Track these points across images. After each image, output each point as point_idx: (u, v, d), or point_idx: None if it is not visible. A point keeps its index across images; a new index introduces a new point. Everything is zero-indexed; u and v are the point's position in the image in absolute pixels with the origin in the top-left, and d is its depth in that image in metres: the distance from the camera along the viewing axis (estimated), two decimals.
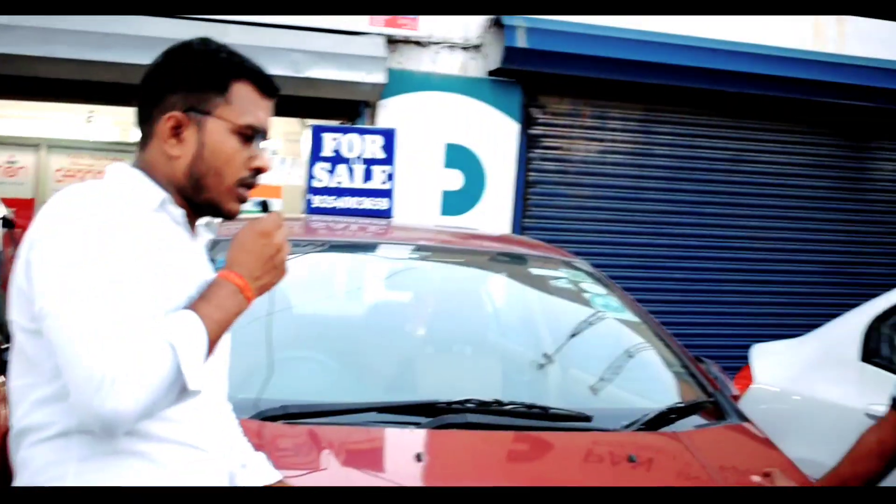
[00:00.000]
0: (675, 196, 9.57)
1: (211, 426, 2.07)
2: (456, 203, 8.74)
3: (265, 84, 2.11)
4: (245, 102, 2.06)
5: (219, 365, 2.10)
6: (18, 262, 1.87)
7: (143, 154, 2.06)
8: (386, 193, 5.40)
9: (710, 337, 9.25)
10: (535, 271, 4.65)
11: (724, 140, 9.76)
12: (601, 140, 9.37)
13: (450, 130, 8.73)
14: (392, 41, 8.63)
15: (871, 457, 2.85)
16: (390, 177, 5.42)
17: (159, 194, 2.00)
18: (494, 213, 8.82)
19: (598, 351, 4.17)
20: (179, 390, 1.83)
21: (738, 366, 5.61)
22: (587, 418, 3.28)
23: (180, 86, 2.03)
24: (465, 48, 8.92)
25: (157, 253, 1.92)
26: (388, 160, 5.46)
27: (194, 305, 1.91)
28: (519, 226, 8.99)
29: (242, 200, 2.11)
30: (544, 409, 3.31)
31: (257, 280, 2.01)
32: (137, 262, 1.86)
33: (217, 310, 1.92)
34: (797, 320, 8.70)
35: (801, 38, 9.62)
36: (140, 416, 1.79)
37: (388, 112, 8.55)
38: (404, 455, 2.98)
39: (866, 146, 10.28)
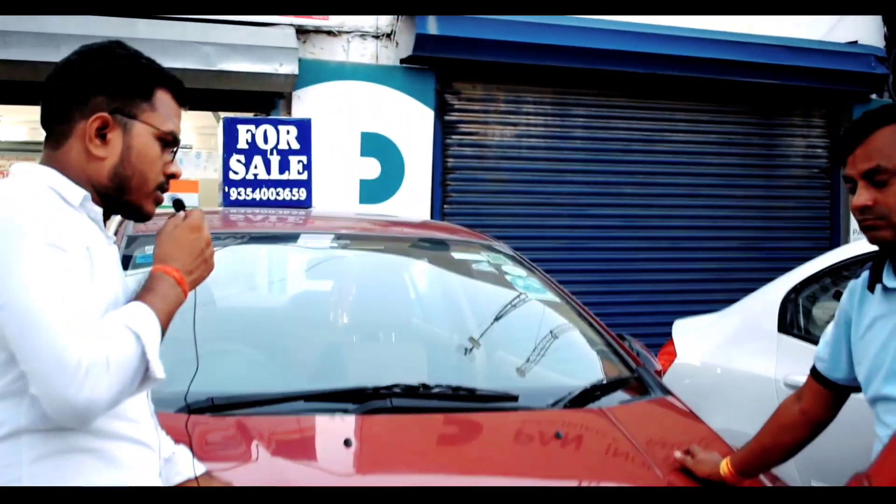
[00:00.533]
0: (592, 177, 9.65)
1: (152, 423, 2.09)
2: (374, 191, 8.73)
3: (182, 93, 2.15)
4: (167, 109, 2.10)
5: None
6: None
7: (55, 153, 2.03)
8: (303, 184, 5.37)
9: (633, 315, 9.35)
10: (457, 256, 4.66)
11: (637, 121, 9.88)
12: (516, 124, 9.42)
13: (365, 119, 8.71)
14: (303, 31, 8.59)
15: (795, 427, 2.88)
16: (306, 167, 5.39)
17: (80, 192, 1.99)
18: (414, 200, 8.81)
19: (522, 332, 4.20)
20: (142, 379, 1.85)
21: (662, 342, 5.68)
22: (513, 398, 3.30)
23: (106, 88, 2.03)
24: (376, 37, 8.90)
25: (90, 249, 1.91)
26: (304, 150, 5.43)
27: (142, 298, 1.93)
28: (439, 212, 9.00)
29: (158, 203, 2.14)
30: (470, 390, 3.32)
31: (190, 274, 2.06)
32: (80, 255, 1.86)
33: (163, 301, 1.96)
34: (717, 295, 8.83)
35: (708, 17, 9.74)
36: (111, 405, 1.80)
37: (303, 103, 8.51)
38: (333, 441, 2.98)
39: (775, 122, 10.47)
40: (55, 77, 2.05)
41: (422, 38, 8.51)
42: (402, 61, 8.89)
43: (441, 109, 9.09)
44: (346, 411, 3.10)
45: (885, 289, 2.51)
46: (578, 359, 4.06)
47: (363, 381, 3.27)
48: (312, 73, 8.49)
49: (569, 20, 8.96)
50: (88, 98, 2.01)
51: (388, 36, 8.93)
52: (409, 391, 3.23)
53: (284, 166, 5.35)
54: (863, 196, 2.40)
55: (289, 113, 8.43)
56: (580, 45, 8.98)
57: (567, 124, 9.61)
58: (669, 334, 5.64)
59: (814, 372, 2.87)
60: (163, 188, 2.11)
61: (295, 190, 5.35)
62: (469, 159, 9.27)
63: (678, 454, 3.03)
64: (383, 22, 8.90)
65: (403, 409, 3.13)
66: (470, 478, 2.91)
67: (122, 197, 2.05)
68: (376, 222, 5.08)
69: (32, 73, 6.91)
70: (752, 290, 5.50)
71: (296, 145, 5.41)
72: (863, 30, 10.43)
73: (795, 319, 4.96)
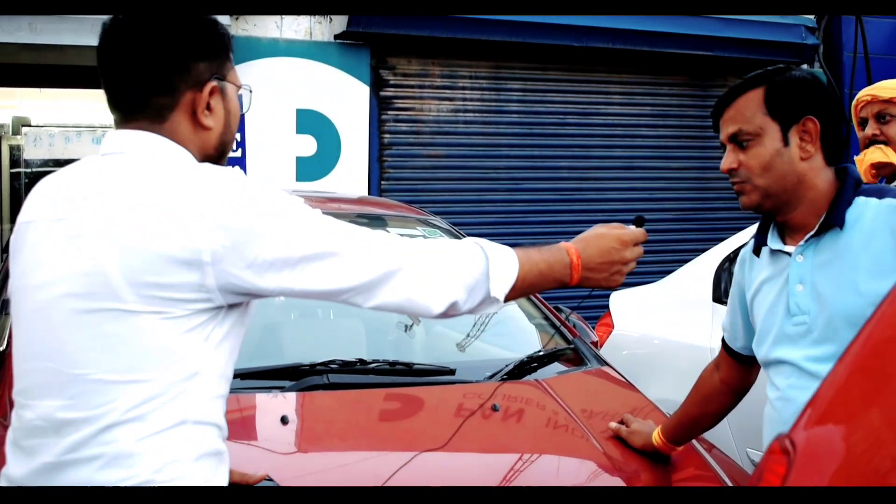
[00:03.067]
0: (528, 151, 9.67)
1: None
2: (311, 169, 8.68)
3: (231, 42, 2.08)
4: (233, 62, 2.04)
5: None
6: (183, 252, 1.75)
7: (160, 127, 1.91)
8: (237, 161, 5.35)
9: (570, 288, 9.39)
10: (394, 231, 4.66)
11: (573, 94, 9.89)
12: (452, 99, 9.41)
13: (300, 96, 8.65)
14: None
15: (718, 395, 2.91)
16: (240, 144, 5.36)
17: None
18: (351, 177, 8.78)
19: None
20: (483, 297, 1.95)
21: (599, 314, 5.72)
22: (450, 372, 3.32)
23: (204, 52, 1.93)
24: None
25: None
26: (238, 127, 5.39)
27: (523, 247, 2.02)
28: (376, 188, 8.98)
29: None
30: (407, 365, 3.34)
31: (590, 271, 2.12)
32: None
33: (542, 262, 2.04)
34: (653, 267, 8.87)
35: None
36: (457, 306, 1.93)
37: None
38: (270, 419, 2.97)
39: (709, 94, 10.54)
40: (146, 47, 1.89)
41: None
42: (336, 37, 8.83)
43: (376, 85, 9.05)
44: (283, 388, 3.09)
45: (772, 251, 2.54)
46: (515, 332, 4.09)
47: (300, 357, 3.27)
48: (246, 49, 8.41)
49: None
50: (190, 66, 1.91)
51: None
52: (346, 366, 3.23)
53: None
54: (728, 159, 2.51)
55: None
56: (514, 19, 8.97)
57: (502, 98, 9.61)
58: (607, 306, 5.68)
59: (723, 342, 2.90)
60: None
61: (229, 167, 5.31)
62: (405, 135, 9.26)
63: (613, 425, 3.06)
64: None
65: (341, 385, 3.14)
66: (408, 454, 2.92)
67: (220, 161, 2.00)
68: (313, 199, 5.05)
69: None
70: (688, 260, 5.55)
71: None
72: None
73: (729, 288, 5.01)
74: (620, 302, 5.68)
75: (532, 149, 9.69)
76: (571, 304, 4.68)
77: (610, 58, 9.78)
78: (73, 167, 1.93)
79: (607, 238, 2.15)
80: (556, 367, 3.60)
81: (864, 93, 3.87)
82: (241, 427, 3.05)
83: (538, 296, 4.18)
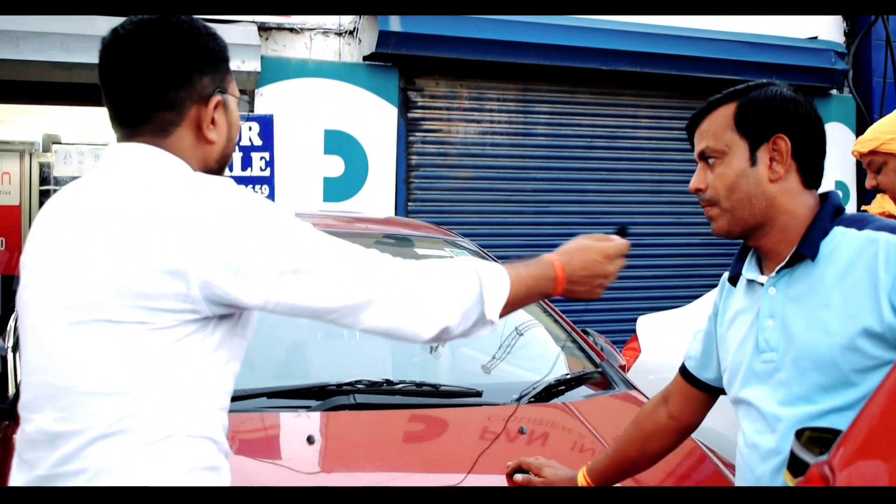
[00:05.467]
0: (555, 174, 9.65)
1: None
2: (338, 189, 8.70)
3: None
4: (231, 73, 2.04)
5: None
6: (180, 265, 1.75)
7: (163, 142, 1.91)
8: (266, 181, 5.35)
9: (597, 311, 9.36)
10: (421, 252, 4.65)
11: (600, 116, 9.87)
12: (480, 121, 9.40)
13: (328, 117, 8.67)
14: (265, 28, 8.54)
15: (663, 433, 2.66)
16: (269, 163, 5.36)
17: None
18: (378, 198, 8.79)
19: None
20: (476, 319, 1.95)
21: (626, 338, 5.69)
22: (477, 394, 3.30)
23: (207, 66, 1.94)
24: (339, 34, 8.87)
25: None
26: (267, 147, 5.40)
27: (511, 264, 2.04)
28: (403, 209, 8.98)
29: None
30: (434, 386, 3.32)
31: (573, 284, 2.12)
32: None
33: (529, 277, 2.05)
34: (680, 291, 8.88)
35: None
36: (451, 329, 1.93)
37: (265, 100, 8.45)
38: (296, 439, 2.96)
39: None
40: (149, 63, 1.92)
41: (385, 34, 8.48)
42: (364, 58, 8.85)
43: (404, 106, 9.07)
44: (309, 408, 3.08)
45: (749, 281, 2.35)
46: (543, 354, 4.06)
47: (326, 377, 3.26)
48: (275, 70, 8.44)
49: (529, 16, 8.96)
50: (195, 80, 1.92)
51: (351, 33, 8.90)
52: (373, 387, 3.22)
53: (247, 163, 5.33)
54: (696, 178, 2.32)
55: (251, 111, 8.36)
56: (542, 42, 8.98)
57: (530, 121, 9.60)
58: (633, 330, 5.65)
59: (683, 371, 2.65)
60: None
61: (258, 187, 5.32)
62: (432, 156, 9.25)
63: (519, 477, 2.75)
64: (346, 19, 8.87)
65: (367, 405, 3.12)
66: (434, 475, 2.90)
67: (219, 173, 1.98)
68: (340, 219, 5.06)
69: None
70: (716, 285, 5.51)
71: (258, 142, 5.38)
72: (822, 25, 10.51)
73: None
74: (647, 326, 5.65)
75: (559, 171, 9.67)
76: (598, 328, 4.66)
77: (638, 80, 9.76)
78: (79, 183, 1.94)
79: (591, 251, 2.15)
80: (584, 390, 3.58)
81: (853, 147, 3.74)
82: (266, 446, 3.05)
83: (564, 318, 4.16)
